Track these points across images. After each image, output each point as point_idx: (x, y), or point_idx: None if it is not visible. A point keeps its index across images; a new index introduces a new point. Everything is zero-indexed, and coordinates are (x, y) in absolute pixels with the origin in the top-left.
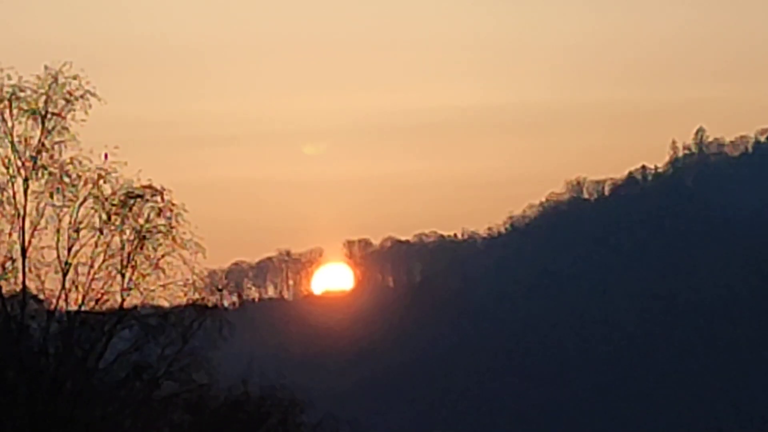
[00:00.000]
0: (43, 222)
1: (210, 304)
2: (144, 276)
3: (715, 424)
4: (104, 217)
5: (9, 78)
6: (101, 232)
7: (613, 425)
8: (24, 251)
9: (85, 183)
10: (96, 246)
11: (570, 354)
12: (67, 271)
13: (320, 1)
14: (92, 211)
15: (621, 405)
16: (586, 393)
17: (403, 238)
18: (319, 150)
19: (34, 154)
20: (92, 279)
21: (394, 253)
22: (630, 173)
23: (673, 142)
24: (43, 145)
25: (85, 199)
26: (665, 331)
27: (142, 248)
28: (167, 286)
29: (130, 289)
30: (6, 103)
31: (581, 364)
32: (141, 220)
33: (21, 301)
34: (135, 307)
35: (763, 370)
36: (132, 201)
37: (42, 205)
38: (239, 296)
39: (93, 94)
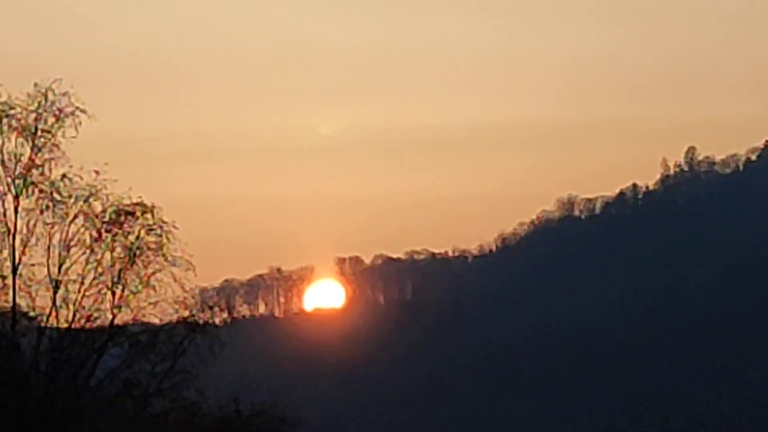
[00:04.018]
0: (33, 239)
1: (201, 322)
2: (134, 293)
3: None
4: (95, 234)
5: None
6: (92, 250)
7: None
8: (14, 268)
9: (76, 200)
10: (86, 263)
11: (561, 371)
12: (58, 288)
13: (317, 15)
14: (83, 229)
15: (611, 419)
16: (578, 409)
17: (394, 256)
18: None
19: (24, 171)
20: (83, 296)
21: (386, 270)
22: (621, 191)
23: (664, 161)
24: (33, 162)
25: (75, 216)
26: (657, 348)
27: (132, 265)
28: (158, 303)
29: (121, 306)
30: None
31: (572, 380)
32: (131, 238)
33: (12, 318)
34: (125, 324)
35: (758, 389)
36: (122, 218)
37: (32, 222)
38: (230, 313)
39: (83, 111)
